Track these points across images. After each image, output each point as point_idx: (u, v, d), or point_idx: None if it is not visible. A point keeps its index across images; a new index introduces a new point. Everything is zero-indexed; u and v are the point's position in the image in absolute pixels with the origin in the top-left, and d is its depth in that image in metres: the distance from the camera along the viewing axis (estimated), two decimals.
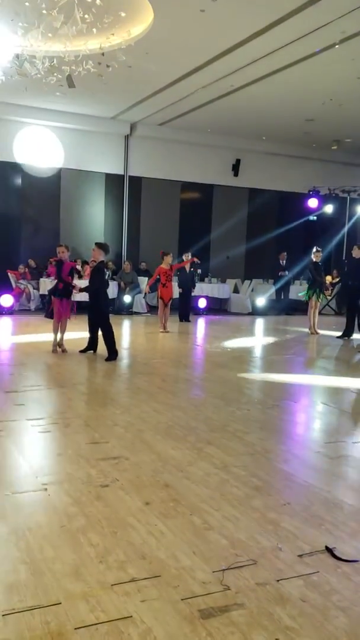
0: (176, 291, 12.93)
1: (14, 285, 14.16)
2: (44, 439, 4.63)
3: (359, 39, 9.51)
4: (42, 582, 2.63)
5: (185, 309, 13.45)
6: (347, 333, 11.66)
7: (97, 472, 3.94)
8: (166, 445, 4.57)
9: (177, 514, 3.39)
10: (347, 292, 12.16)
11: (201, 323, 13.68)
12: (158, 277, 11.63)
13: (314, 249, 12.20)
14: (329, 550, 3.02)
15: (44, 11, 7.92)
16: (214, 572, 2.78)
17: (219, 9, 8.66)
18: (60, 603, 2.48)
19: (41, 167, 14.93)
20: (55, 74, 9.31)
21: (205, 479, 3.92)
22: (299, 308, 17.11)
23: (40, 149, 14.82)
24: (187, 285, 13.30)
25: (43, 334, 10.63)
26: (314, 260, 12.03)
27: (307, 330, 12.45)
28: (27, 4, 8.00)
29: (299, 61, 10.68)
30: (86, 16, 8.01)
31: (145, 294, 14.24)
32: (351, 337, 11.60)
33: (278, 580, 2.73)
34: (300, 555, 2.97)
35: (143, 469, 4.05)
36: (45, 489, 3.64)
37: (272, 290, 16.59)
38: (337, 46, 9.85)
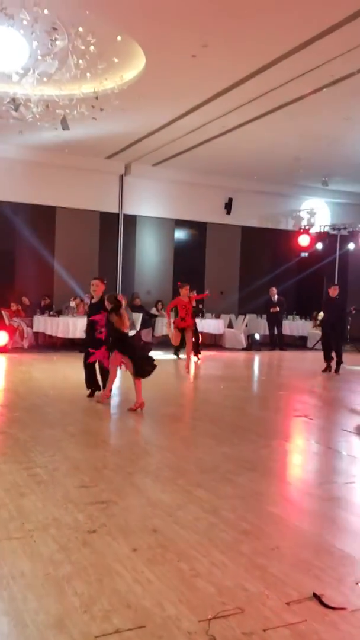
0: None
1: (7, 322, 14.18)
2: (32, 482, 4.58)
3: (346, 82, 9.78)
4: (24, 635, 2.58)
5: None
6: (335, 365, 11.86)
7: (84, 517, 3.90)
8: (155, 489, 4.53)
9: (165, 560, 3.35)
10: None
11: (195, 359, 13.66)
12: (176, 310, 10.99)
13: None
14: (316, 597, 2.99)
15: (39, 57, 8.16)
16: (199, 621, 2.74)
17: (209, 54, 8.93)
18: None
19: (37, 205, 15.12)
20: (50, 117, 9.56)
21: (194, 524, 3.88)
22: (292, 344, 17.19)
23: (35, 185, 15.03)
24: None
25: (35, 373, 10.61)
26: None
27: (300, 365, 12.48)
28: None
29: (288, 103, 10.95)
30: (80, 62, 8.25)
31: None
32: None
33: (265, 630, 2.69)
34: (287, 603, 2.93)
35: (132, 514, 4.01)
36: (32, 535, 3.60)
37: (266, 325, 16.65)
38: (325, 90, 10.14)
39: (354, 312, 12.96)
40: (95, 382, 8.24)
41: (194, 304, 12.14)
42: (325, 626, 2.74)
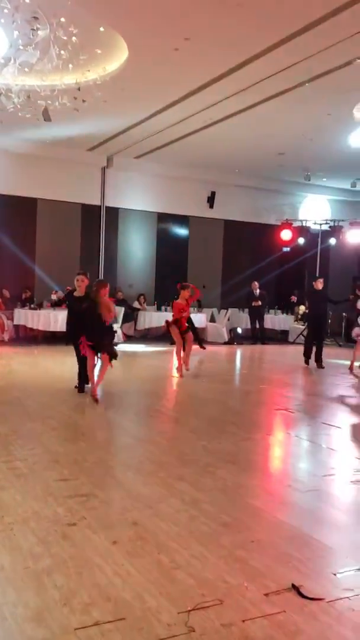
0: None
1: None
2: (11, 476, 4.56)
3: (327, 78, 9.80)
4: (2, 628, 2.58)
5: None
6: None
7: (64, 511, 3.89)
8: (136, 482, 4.53)
9: (145, 552, 3.36)
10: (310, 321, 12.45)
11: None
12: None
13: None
14: (295, 588, 3.02)
15: (21, 47, 8.06)
16: (179, 613, 2.75)
17: (192, 48, 8.88)
18: None
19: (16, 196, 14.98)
20: (31, 108, 9.45)
21: (175, 516, 3.90)
22: (273, 337, 17.27)
23: (16, 176, 14.89)
24: None
25: (16, 366, 10.53)
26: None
27: (281, 359, 12.53)
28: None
29: (271, 97, 10.95)
30: (62, 52, 8.17)
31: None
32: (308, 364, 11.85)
33: (244, 621, 2.71)
34: (266, 594, 2.96)
35: (112, 507, 4.01)
36: (11, 529, 3.58)
37: (247, 319, 16.71)
38: (307, 84, 10.16)
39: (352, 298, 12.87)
40: (86, 376, 8.15)
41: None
42: (303, 617, 2.77)
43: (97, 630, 2.59)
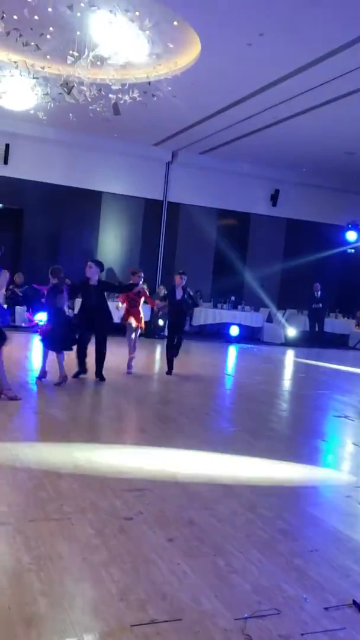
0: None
1: None
2: (70, 465, 4.60)
3: None
4: (61, 617, 2.59)
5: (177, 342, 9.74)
6: None
7: (121, 504, 3.89)
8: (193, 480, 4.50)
9: (201, 553, 3.32)
10: None
11: (232, 352, 13.59)
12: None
13: None
14: (356, 604, 2.91)
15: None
16: (235, 619, 2.70)
17: (265, 43, 8.75)
18: None
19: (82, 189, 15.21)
20: (102, 101, 9.55)
21: (232, 518, 3.84)
22: (333, 341, 16.89)
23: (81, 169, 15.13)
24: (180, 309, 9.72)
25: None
26: None
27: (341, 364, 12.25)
28: (78, 32, 8.25)
29: (341, 97, 10.68)
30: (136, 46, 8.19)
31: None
32: None
33: (302, 634, 2.63)
34: (326, 608, 2.87)
35: (168, 504, 3.99)
36: (69, 518, 3.61)
37: (306, 321, 16.41)
38: None
39: None
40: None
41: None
42: None
43: (153, 628, 2.57)
